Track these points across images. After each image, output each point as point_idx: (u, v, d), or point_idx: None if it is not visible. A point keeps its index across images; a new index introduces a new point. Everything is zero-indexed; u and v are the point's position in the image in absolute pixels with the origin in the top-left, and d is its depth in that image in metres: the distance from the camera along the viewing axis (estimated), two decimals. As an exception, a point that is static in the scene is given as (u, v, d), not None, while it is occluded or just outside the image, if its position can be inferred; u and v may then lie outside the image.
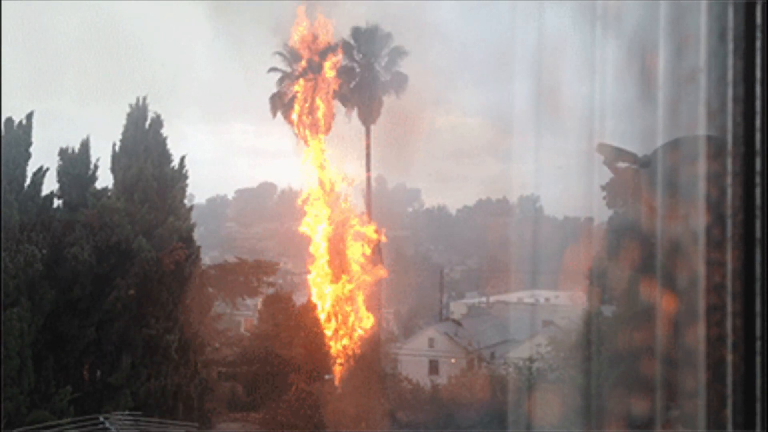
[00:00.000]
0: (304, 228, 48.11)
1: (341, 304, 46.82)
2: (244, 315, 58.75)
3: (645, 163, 3.99)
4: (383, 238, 48.16)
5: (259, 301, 51.20)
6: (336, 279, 47.04)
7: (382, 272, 47.71)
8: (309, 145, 48.74)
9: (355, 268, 46.97)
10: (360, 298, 47.10)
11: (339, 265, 47.05)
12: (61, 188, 39.99)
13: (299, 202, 48.82)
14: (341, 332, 46.40)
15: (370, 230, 47.44)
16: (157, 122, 40.67)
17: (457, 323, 60.65)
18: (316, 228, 47.76)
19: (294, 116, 48.85)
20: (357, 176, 49.67)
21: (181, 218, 40.06)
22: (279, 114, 49.58)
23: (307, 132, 48.72)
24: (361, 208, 49.70)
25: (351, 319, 46.72)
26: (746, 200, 2.83)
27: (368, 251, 47.09)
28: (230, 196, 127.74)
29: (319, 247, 47.57)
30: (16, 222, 36.28)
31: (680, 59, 3.10)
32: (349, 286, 46.68)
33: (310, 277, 48.33)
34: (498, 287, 74.96)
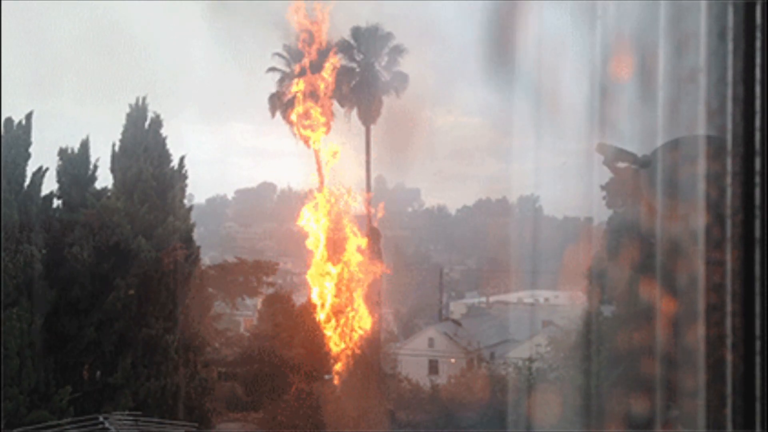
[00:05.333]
0: (302, 222, 48.06)
1: (341, 304, 46.83)
2: (244, 315, 58.79)
3: (645, 163, 4.00)
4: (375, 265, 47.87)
5: (258, 301, 51.22)
6: (336, 284, 47.05)
7: (379, 268, 47.65)
8: (308, 146, 48.78)
9: (354, 259, 46.94)
10: (360, 298, 47.11)
11: (338, 267, 47.06)
12: (60, 188, 39.97)
13: (302, 212, 48.55)
14: (341, 332, 46.41)
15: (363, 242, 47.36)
16: (157, 122, 40.64)
17: (457, 323, 60.68)
18: (315, 228, 47.77)
19: (293, 116, 48.84)
20: (356, 176, 49.73)
21: (180, 218, 40.04)
22: (279, 114, 49.61)
23: (307, 132, 48.73)
24: (361, 208, 49.73)
25: (351, 318, 46.73)
26: (746, 200, 2.83)
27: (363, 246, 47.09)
28: (230, 196, 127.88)
29: (318, 247, 47.57)
30: (15, 222, 36.26)
31: (680, 59, 3.10)
32: (346, 295, 46.63)
33: (309, 276, 48.33)
34: (498, 287, 75.05)
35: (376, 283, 48.19)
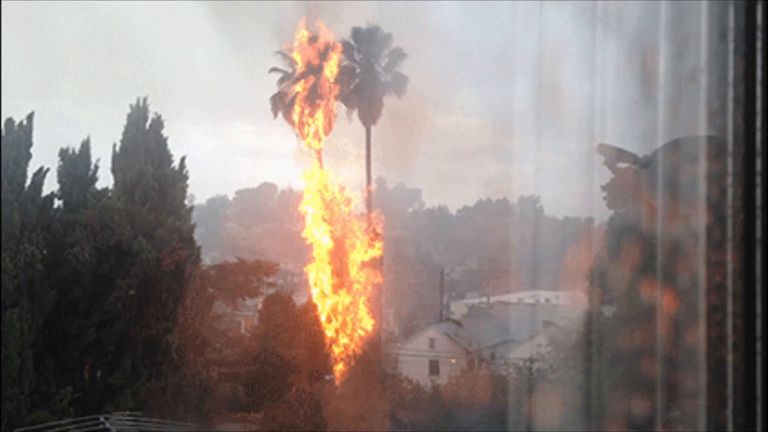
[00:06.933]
0: (306, 234, 48.11)
1: (341, 305, 46.83)
2: (245, 315, 58.74)
3: (645, 164, 3.99)
4: (378, 251, 47.89)
5: (259, 301, 51.18)
6: (337, 285, 47.05)
7: (378, 279, 47.69)
8: (309, 146, 48.79)
9: (354, 274, 46.96)
10: (360, 299, 47.10)
11: (340, 269, 47.05)
12: (61, 189, 39.97)
13: (301, 207, 48.68)
14: (342, 333, 46.40)
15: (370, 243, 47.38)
16: (158, 123, 40.66)
17: (458, 324, 60.64)
18: (316, 231, 47.78)
19: (294, 117, 48.87)
20: (357, 177, 49.74)
21: (181, 219, 40.05)
22: (280, 114, 49.63)
23: (308, 132, 48.74)
24: (362, 209, 49.74)
25: (351, 319, 46.72)
26: (747, 200, 2.82)
27: (369, 256, 47.11)
28: (231, 196, 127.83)
29: (321, 250, 47.59)
30: (16, 222, 36.27)
31: (680, 59, 3.10)
32: (347, 298, 46.66)
33: (311, 279, 48.34)
34: (498, 287, 74.99)
35: (375, 285, 48.18)
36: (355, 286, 46.95)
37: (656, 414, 3.61)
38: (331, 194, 47.95)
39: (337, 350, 45.87)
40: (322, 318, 46.40)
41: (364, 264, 47.02)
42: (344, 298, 46.77)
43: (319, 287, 47.47)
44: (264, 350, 44.18)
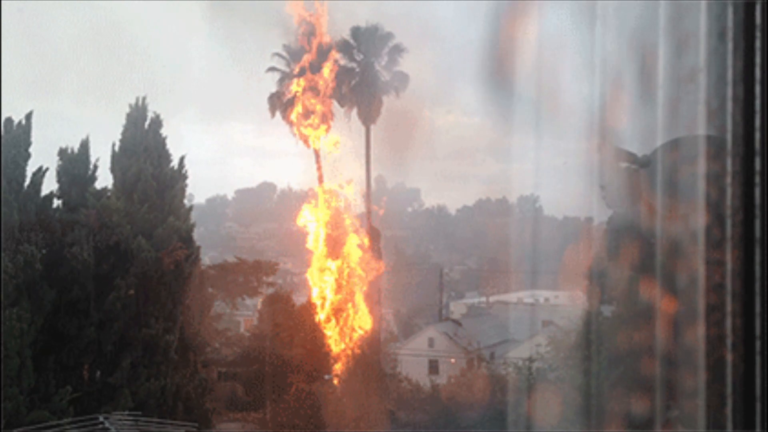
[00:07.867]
0: (301, 221, 48.17)
1: (341, 303, 46.82)
2: (244, 315, 58.81)
3: (645, 163, 3.99)
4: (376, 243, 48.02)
5: (258, 301, 51.23)
6: (336, 280, 47.05)
7: (380, 266, 47.73)
8: (308, 145, 48.79)
9: (354, 258, 46.97)
10: (360, 298, 47.09)
11: (338, 262, 47.10)
12: (60, 188, 39.96)
13: (302, 210, 48.76)
14: (341, 332, 46.40)
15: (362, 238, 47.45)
16: (157, 122, 40.63)
17: (457, 323, 60.70)
18: (315, 225, 47.81)
19: (293, 116, 48.85)
20: (356, 176, 49.76)
21: (180, 218, 40.02)
22: (278, 114, 49.62)
23: (307, 132, 48.73)
24: (361, 208, 49.77)
25: (351, 318, 46.72)
26: (746, 200, 2.82)
27: (367, 242, 47.15)
28: (230, 196, 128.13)
29: (318, 244, 47.61)
30: (15, 222, 36.26)
31: (680, 59, 3.10)
32: (345, 265, 46.60)
33: (309, 274, 48.34)
34: (498, 287, 75.11)
35: (376, 282, 48.20)
36: (353, 255, 46.85)
37: (656, 414, 3.61)
38: (330, 191, 47.99)
39: (336, 350, 45.88)
40: (322, 317, 46.42)
41: (360, 248, 47.01)
42: (342, 266, 46.59)
43: (318, 286, 47.44)
44: (263, 350, 44.20)
